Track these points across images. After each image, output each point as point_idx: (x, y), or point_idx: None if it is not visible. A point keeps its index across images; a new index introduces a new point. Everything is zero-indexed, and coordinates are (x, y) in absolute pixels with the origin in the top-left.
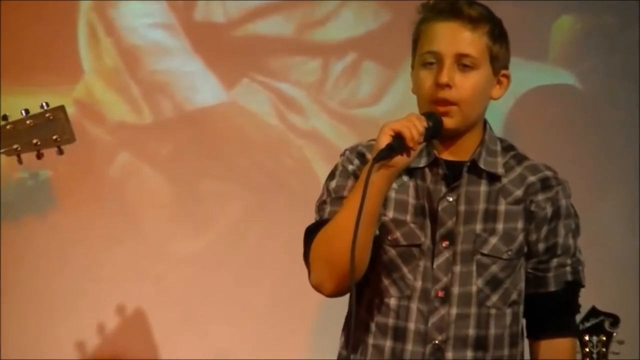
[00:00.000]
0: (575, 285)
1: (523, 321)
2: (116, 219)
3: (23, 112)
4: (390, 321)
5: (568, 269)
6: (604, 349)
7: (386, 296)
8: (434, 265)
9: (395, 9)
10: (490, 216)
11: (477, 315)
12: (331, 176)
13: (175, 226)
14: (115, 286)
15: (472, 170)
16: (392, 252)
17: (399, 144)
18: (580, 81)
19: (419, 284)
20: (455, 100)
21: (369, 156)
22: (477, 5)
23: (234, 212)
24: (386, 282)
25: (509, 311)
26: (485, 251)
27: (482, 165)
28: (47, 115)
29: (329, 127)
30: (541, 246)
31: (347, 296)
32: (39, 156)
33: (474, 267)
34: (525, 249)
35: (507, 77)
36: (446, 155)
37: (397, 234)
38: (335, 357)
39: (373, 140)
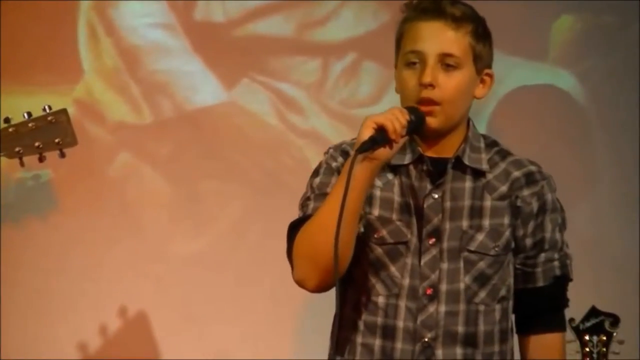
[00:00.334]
0: (563, 280)
1: (513, 317)
2: (116, 219)
3: (25, 114)
4: (379, 320)
5: (556, 263)
6: (604, 349)
7: (373, 294)
8: (422, 263)
9: (395, 9)
10: (476, 212)
11: (466, 312)
12: (315, 173)
13: (175, 226)
14: (115, 286)
15: (456, 166)
16: (378, 250)
17: (381, 136)
18: (580, 81)
19: (406, 281)
20: (438, 99)
21: (353, 153)
22: (460, 4)
23: (234, 212)
24: (373, 280)
25: (498, 307)
26: (472, 248)
27: (466, 162)
28: (49, 118)
29: (329, 127)
30: (528, 241)
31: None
32: (41, 159)
33: (462, 264)
34: (513, 245)
35: (491, 76)
36: (430, 153)
37: (384, 232)
38: None
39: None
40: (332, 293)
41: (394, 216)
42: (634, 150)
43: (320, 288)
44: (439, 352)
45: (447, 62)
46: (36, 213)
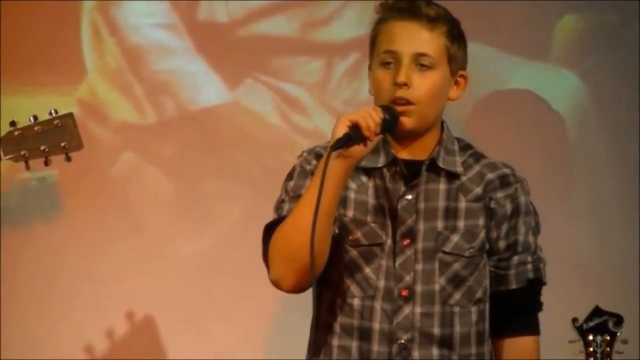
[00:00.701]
0: (536, 283)
1: None
2: (119, 219)
3: (31, 118)
4: (355, 322)
5: (529, 266)
6: (608, 349)
7: (349, 296)
8: (396, 264)
9: None
10: (451, 214)
11: (441, 314)
12: (289, 177)
13: (177, 225)
14: (117, 286)
15: (430, 169)
16: (353, 252)
17: (356, 133)
18: (583, 80)
19: (381, 283)
20: (413, 99)
21: (328, 150)
22: (435, 5)
23: (236, 211)
24: (348, 282)
25: (474, 309)
26: (447, 249)
27: (440, 164)
28: (55, 121)
29: (332, 126)
30: (502, 244)
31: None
32: (47, 162)
33: (437, 265)
34: (487, 246)
35: (465, 78)
36: (404, 155)
37: (358, 234)
38: None
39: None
40: None
41: (369, 218)
42: (636, 149)
43: (297, 289)
44: (416, 354)
45: (421, 62)
46: (37, 212)
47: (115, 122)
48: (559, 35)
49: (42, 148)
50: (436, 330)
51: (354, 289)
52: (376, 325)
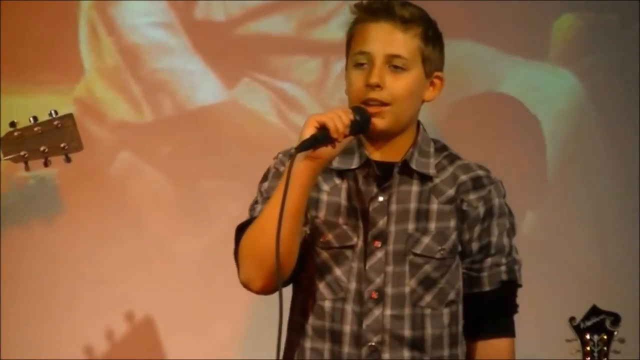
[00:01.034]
0: (510, 285)
1: None
2: (116, 218)
3: (31, 119)
4: (327, 324)
5: (503, 268)
6: (605, 348)
7: (320, 299)
8: (367, 266)
9: None
10: (422, 215)
11: (412, 316)
12: (264, 178)
13: (176, 225)
14: (115, 285)
15: (403, 171)
16: (324, 254)
17: (323, 135)
18: (581, 79)
19: (352, 285)
20: (386, 100)
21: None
22: (410, 6)
23: (234, 210)
24: (319, 284)
25: (446, 311)
26: (417, 251)
27: (413, 166)
28: (55, 122)
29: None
30: (474, 246)
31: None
32: (46, 163)
33: (407, 267)
34: (459, 248)
35: (441, 79)
36: (378, 157)
37: (329, 236)
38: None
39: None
40: None
41: (341, 220)
42: (635, 148)
43: (266, 290)
44: (386, 356)
45: (394, 64)
46: (36, 212)
47: (112, 121)
48: (557, 33)
49: (41, 149)
50: (407, 333)
51: (324, 291)
52: (347, 328)
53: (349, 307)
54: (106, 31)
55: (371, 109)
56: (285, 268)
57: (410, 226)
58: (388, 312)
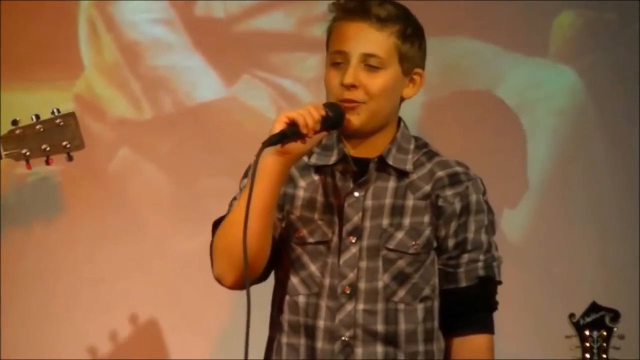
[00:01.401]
0: (488, 281)
1: None
2: (116, 215)
3: (33, 117)
4: (301, 319)
5: (480, 264)
6: (604, 344)
7: (295, 294)
8: (341, 262)
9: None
10: (397, 211)
11: (385, 311)
12: (244, 175)
13: (175, 222)
14: (115, 284)
15: (380, 167)
16: (299, 249)
17: (292, 130)
18: (581, 76)
19: (327, 281)
20: (361, 100)
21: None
22: (388, 4)
23: None
24: (294, 280)
25: (420, 306)
26: (390, 246)
27: (390, 162)
28: (57, 121)
29: None
30: (450, 242)
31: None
32: (48, 162)
33: (380, 262)
34: (435, 244)
35: (421, 75)
36: (356, 153)
37: (304, 232)
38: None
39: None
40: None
41: (316, 216)
42: (634, 146)
43: (238, 285)
44: (359, 351)
45: (369, 63)
46: (35, 210)
47: (112, 117)
48: (557, 31)
49: (43, 147)
50: (380, 328)
51: (299, 286)
52: (320, 323)
53: (323, 303)
54: (106, 28)
55: (346, 105)
56: (256, 264)
57: (385, 221)
58: (361, 306)
